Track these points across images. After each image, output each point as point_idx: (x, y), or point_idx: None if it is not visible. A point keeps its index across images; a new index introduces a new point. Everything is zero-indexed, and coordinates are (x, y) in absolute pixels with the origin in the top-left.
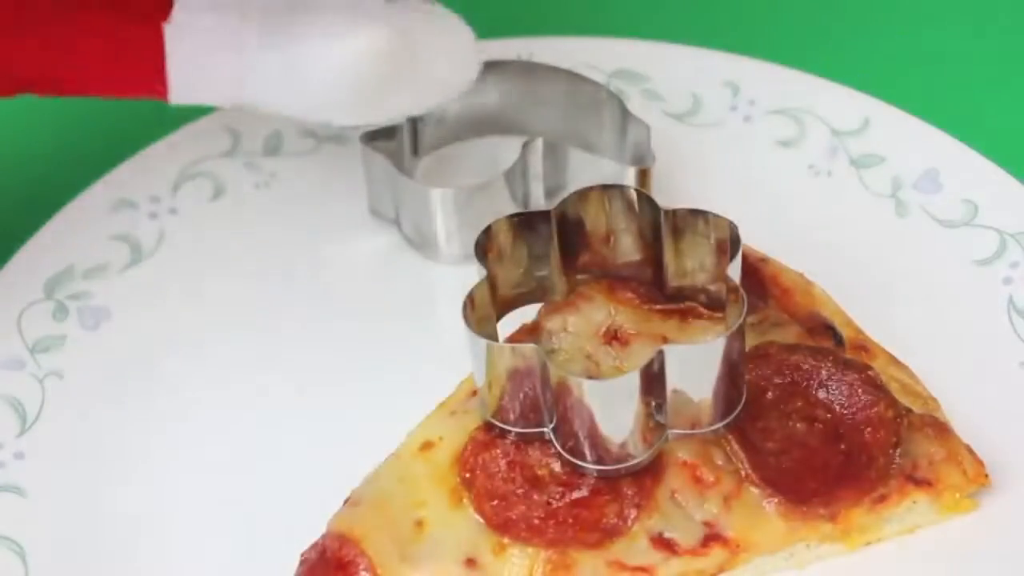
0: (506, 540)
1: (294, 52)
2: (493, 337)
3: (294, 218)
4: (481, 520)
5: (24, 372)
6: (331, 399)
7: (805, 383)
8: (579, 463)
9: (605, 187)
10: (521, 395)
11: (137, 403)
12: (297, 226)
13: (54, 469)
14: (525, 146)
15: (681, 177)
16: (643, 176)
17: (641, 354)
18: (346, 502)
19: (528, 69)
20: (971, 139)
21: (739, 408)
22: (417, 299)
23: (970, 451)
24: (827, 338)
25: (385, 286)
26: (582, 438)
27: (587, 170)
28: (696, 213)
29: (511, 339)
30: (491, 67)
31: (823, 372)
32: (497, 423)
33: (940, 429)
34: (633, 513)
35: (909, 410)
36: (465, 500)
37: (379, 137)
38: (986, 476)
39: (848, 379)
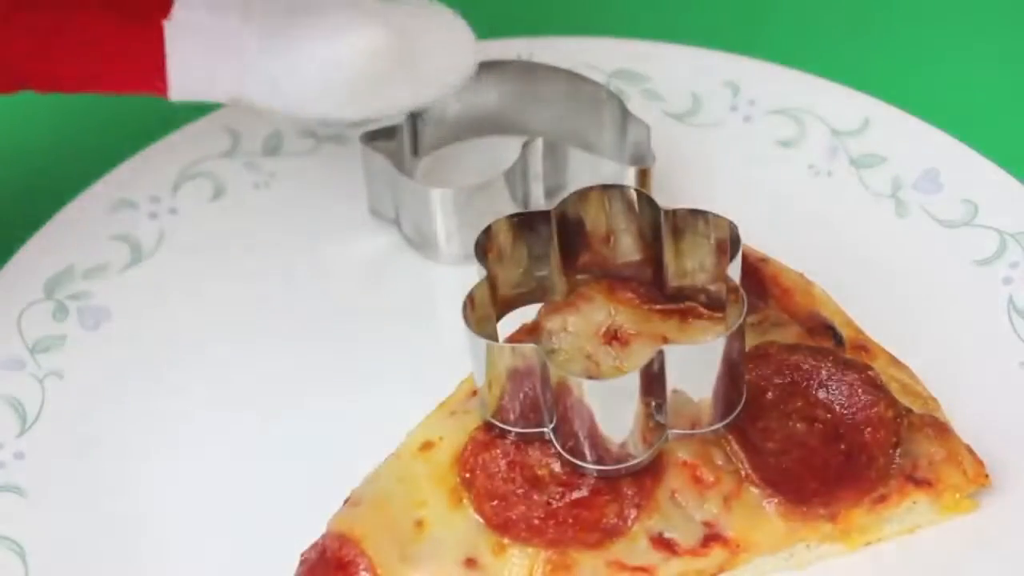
0: (506, 540)
1: (294, 49)
2: (493, 337)
3: (294, 218)
4: (481, 520)
5: (24, 372)
6: (331, 399)
7: (805, 383)
8: (579, 463)
9: (605, 187)
10: (521, 395)
11: (137, 403)
12: (297, 226)
13: (54, 469)
14: (525, 146)
15: (681, 177)
16: (643, 176)
17: (641, 354)
18: (346, 502)
19: (528, 69)
20: (971, 139)
21: (739, 408)
22: (417, 299)
23: (970, 451)
24: (827, 338)
25: (385, 286)
26: (582, 438)
27: (587, 170)
28: (696, 213)
29: (511, 339)
30: (491, 67)
31: (823, 372)
32: (497, 423)
33: (940, 429)
34: (633, 513)
35: (909, 410)
36: (465, 500)
37: (379, 137)
38: (986, 476)
39: (848, 379)
